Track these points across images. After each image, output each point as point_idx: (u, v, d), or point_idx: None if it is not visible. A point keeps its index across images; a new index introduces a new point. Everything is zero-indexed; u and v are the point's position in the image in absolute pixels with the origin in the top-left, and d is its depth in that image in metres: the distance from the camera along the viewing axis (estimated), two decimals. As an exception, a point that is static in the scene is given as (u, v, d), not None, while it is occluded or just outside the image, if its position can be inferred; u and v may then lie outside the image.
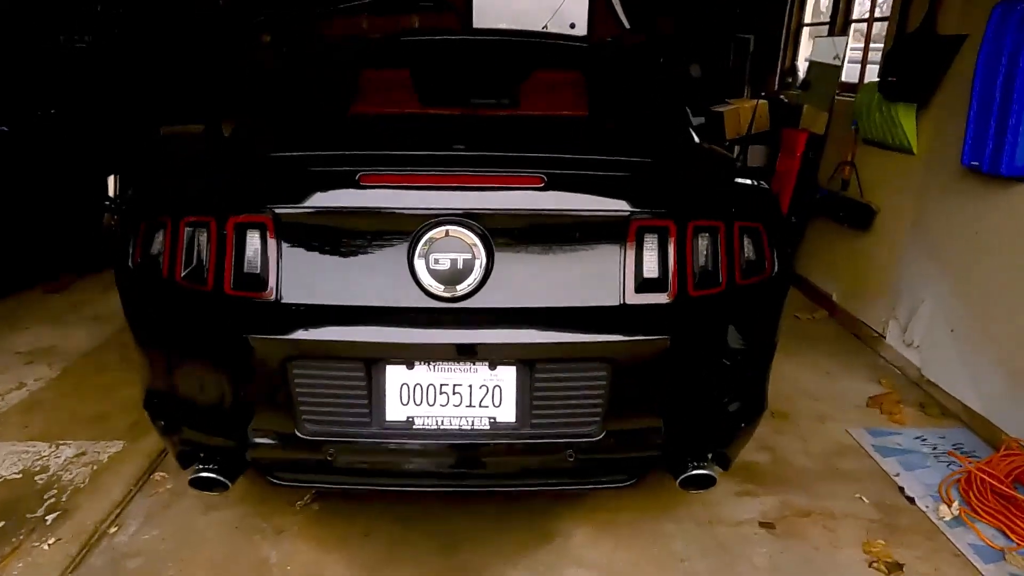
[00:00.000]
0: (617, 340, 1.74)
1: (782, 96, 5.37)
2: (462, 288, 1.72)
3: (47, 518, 2.34)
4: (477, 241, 1.72)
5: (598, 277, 1.77)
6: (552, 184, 1.75)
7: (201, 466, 1.93)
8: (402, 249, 1.74)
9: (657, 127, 2.45)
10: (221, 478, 1.92)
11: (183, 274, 1.80)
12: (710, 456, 1.96)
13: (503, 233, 1.75)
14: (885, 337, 3.74)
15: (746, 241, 1.89)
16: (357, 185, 1.73)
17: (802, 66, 5.55)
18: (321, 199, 1.76)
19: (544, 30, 5.70)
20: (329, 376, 1.76)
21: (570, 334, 1.73)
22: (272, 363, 1.74)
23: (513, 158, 1.83)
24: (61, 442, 2.78)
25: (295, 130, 2.28)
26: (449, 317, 1.73)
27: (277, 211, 1.75)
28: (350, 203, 1.75)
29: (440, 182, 1.75)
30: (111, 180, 5.04)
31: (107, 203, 4.99)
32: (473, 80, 2.73)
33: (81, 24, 5.11)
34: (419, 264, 1.72)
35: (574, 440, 1.80)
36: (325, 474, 1.90)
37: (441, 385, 1.78)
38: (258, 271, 1.76)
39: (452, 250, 1.71)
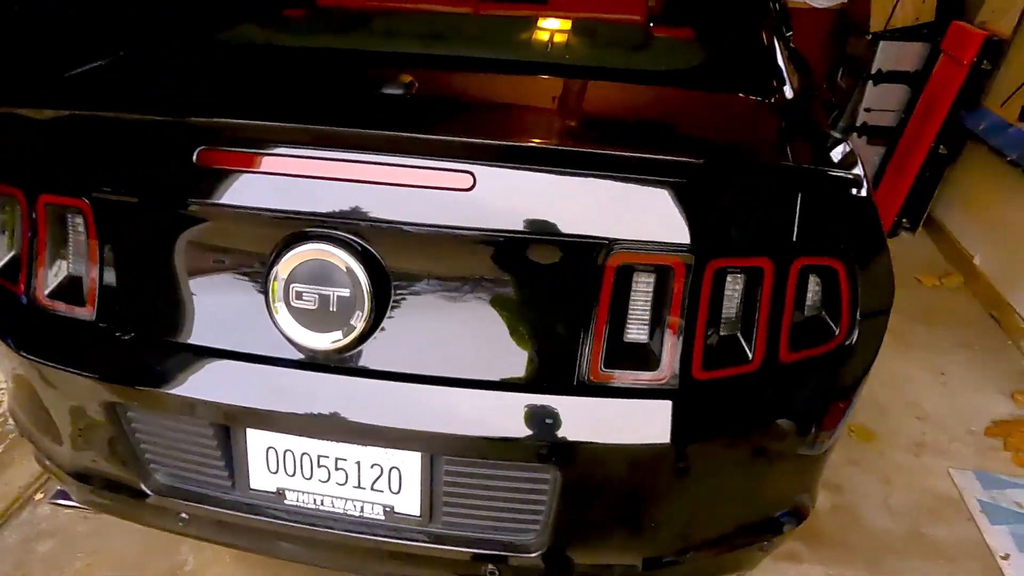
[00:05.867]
0: (568, 440, 1.12)
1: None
2: (334, 339, 1.14)
3: (-25, 476, 2.14)
4: (358, 269, 1.11)
5: (548, 339, 1.13)
6: (485, 185, 1.08)
7: (61, 488, 1.58)
8: (257, 271, 1.17)
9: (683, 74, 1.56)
10: (78, 505, 1.56)
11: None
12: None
13: (402, 259, 1.13)
14: (1038, 332, 2.81)
15: (809, 289, 1.17)
16: (195, 166, 1.14)
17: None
18: (151, 184, 1.19)
19: None
20: (175, 430, 1.28)
21: (500, 425, 1.14)
22: (100, 405, 1.28)
23: (432, 142, 1.13)
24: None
25: (139, 72, 1.57)
26: (322, 380, 1.17)
27: (96, 195, 1.21)
28: (186, 194, 1.17)
29: (310, 171, 1.12)
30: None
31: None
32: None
33: None
34: (275, 297, 1.14)
35: (501, 552, 1.26)
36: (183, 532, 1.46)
37: (319, 456, 1.26)
38: (78, 275, 1.26)
39: (323, 281, 1.12)
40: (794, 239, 1.12)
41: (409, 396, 1.16)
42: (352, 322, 1.13)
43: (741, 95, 1.44)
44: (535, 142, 1.12)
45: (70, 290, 1.27)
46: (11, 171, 1.29)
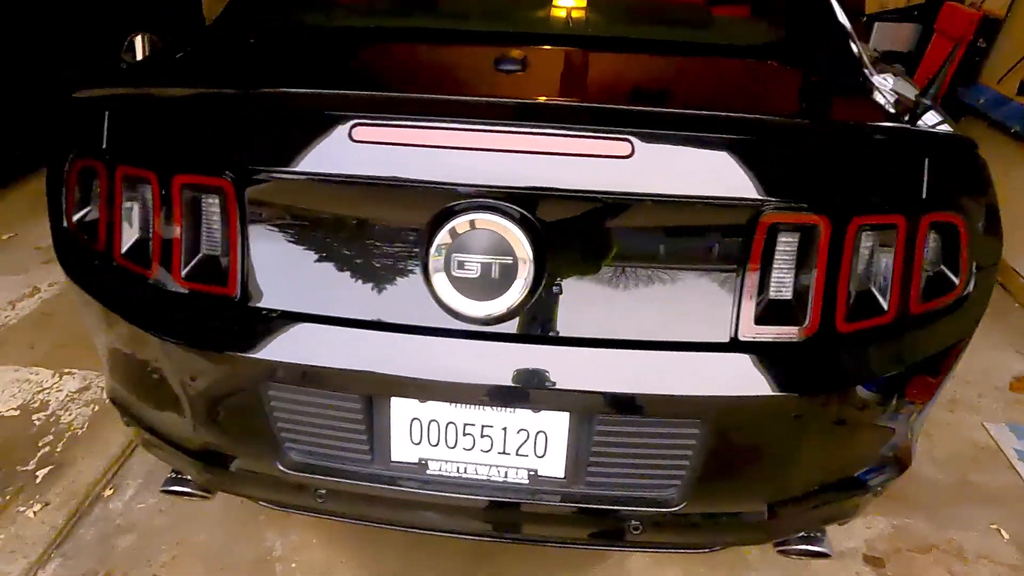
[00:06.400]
0: (720, 396, 1.18)
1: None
2: (496, 307, 1.17)
3: (38, 474, 2.09)
4: (521, 237, 1.14)
5: (700, 299, 1.19)
6: (644, 152, 1.12)
7: (174, 475, 1.57)
8: (414, 243, 1.19)
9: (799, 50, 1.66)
10: (198, 492, 1.55)
11: (124, 250, 1.32)
12: (824, 531, 1.45)
13: (560, 225, 1.17)
14: (1044, 294, 2.99)
15: (931, 244, 1.25)
16: (350, 140, 1.16)
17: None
18: (301, 159, 1.19)
19: None
20: (316, 405, 1.29)
21: (653, 382, 1.19)
22: (240, 383, 1.29)
23: (590, 110, 1.17)
24: (65, 371, 2.51)
25: (275, 51, 1.61)
26: (478, 347, 1.20)
27: (239, 173, 1.21)
28: (339, 168, 1.18)
29: (469, 143, 1.14)
30: (138, 41, 4.50)
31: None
32: None
33: None
34: (435, 268, 1.17)
35: (643, 509, 1.31)
36: (317, 509, 1.48)
37: (465, 425, 1.29)
38: (217, 254, 1.26)
39: (485, 250, 1.15)
40: (923, 197, 1.20)
41: (564, 359, 1.20)
42: (513, 289, 1.16)
43: (846, 69, 1.52)
44: (692, 110, 1.17)
45: (209, 270, 1.26)
46: (143, 153, 1.28)
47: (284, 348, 1.24)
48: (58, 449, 2.18)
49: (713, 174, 1.14)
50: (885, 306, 1.22)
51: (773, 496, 1.33)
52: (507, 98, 1.15)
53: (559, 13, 1.74)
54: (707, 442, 1.23)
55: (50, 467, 2.11)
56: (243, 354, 1.25)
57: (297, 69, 1.44)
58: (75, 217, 1.39)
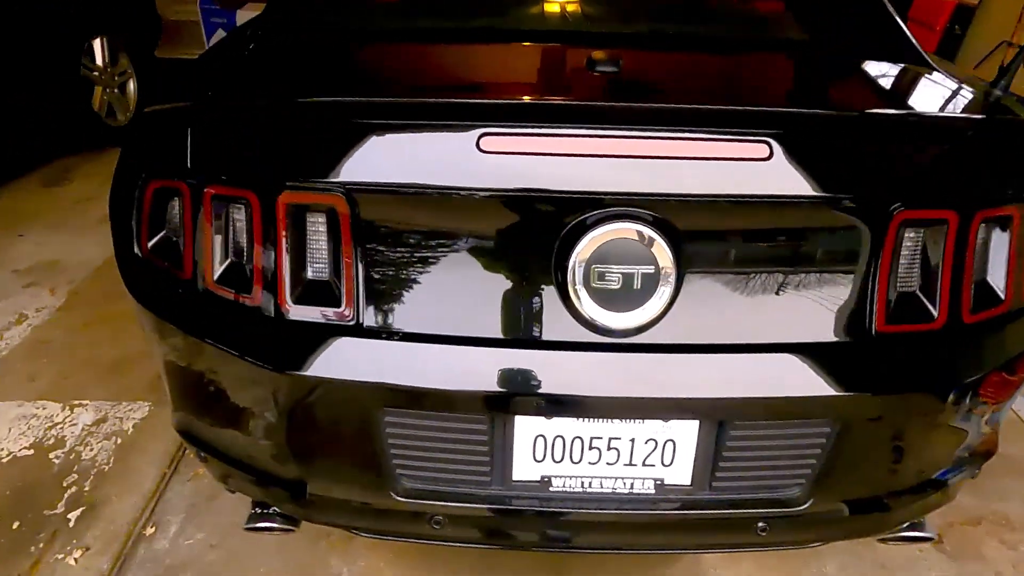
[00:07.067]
0: (857, 394, 1.18)
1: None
2: (639, 317, 1.14)
3: (70, 516, 1.94)
4: (664, 245, 1.11)
5: (834, 298, 1.18)
6: (782, 154, 1.11)
7: (258, 511, 1.48)
8: (547, 255, 1.14)
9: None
10: (284, 525, 1.47)
11: (216, 276, 1.23)
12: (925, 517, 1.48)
13: (697, 231, 1.14)
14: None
15: None
16: (477, 151, 1.10)
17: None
18: (420, 172, 1.13)
19: None
20: (436, 429, 1.24)
21: (790, 385, 1.18)
22: (354, 410, 1.22)
23: (729, 113, 1.15)
24: (76, 402, 2.34)
25: (377, 62, 1.53)
26: (615, 359, 1.17)
27: (352, 188, 1.14)
28: (465, 181, 1.12)
29: (606, 150, 1.10)
30: (97, 45, 4.24)
31: (95, 74, 4.23)
32: None
33: None
34: (574, 279, 1.13)
35: (768, 511, 1.31)
36: (431, 536, 1.41)
37: (592, 439, 1.26)
38: (328, 276, 1.19)
39: (626, 260, 1.12)
40: (1034, 187, 1.23)
41: (700, 366, 1.18)
42: (656, 298, 1.13)
43: (916, 62, 1.55)
44: (830, 111, 1.16)
45: (319, 293, 1.19)
46: (238, 172, 1.19)
47: (406, 372, 1.18)
48: (86, 488, 2.03)
49: (849, 173, 1.14)
50: (1002, 295, 1.24)
51: (894, 487, 1.35)
52: (643, 103, 1.12)
53: (633, 11, 1.71)
54: (837, 440, 1.23)
55: (82, 508, 1.97)
56: (361, 380, 1.18)
57: (398, 73, 1.36)
58: (150, 243, 1.29)
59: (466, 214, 1.15)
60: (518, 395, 1.18)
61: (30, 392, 2.39)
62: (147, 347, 1.44)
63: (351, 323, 1.18)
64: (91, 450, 2.16)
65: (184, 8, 4.99)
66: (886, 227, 1.15)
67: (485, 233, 1.16)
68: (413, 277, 1.18)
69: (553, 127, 1.10)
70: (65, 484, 2.04)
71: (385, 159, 1.14)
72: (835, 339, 1.19)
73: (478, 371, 1.17)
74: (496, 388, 1.17)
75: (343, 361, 1.18)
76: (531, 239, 1.15)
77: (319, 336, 1.19)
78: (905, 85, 1.45)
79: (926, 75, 1.53)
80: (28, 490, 2.02)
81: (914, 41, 1.64)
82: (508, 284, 1.17)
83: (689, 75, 1.41)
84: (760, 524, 1.31)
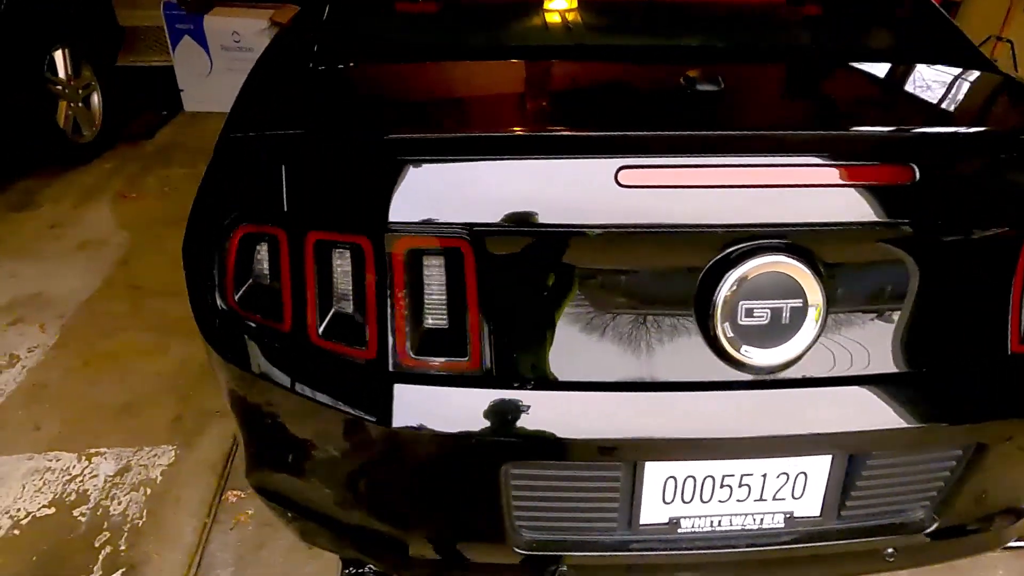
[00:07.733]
0: (994, 417, 1.16)
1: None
2: (786, 353, 1.09)
3: (109, 582, 1.79)
4: (813, 278, 1.07)
5: (973, 321, 1.16)
6: (926, 177, 1.07)
7: (351, 571, 1.38)
8: (688, 292, 1.08)
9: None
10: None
11: (321, 329, 1.12)
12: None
13: (841, 263, 1.10)
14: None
15: None
16: (616, 186, 1.03)
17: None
18: (551, 211, 1.05)
19: None
20: (564, 479, 1.16)
21: (928, 413, 1.15)
22: (475, 464, 1.13)
23: (873, 138, 1.10)
24: (92, 451, 2.17)
25: (481, 87, 1.38)
26: (755, 397, 1.12)
27: (477, 230, 1.05)
28: (602, 218, 1.05)
29: (747, 180, 1.05)
30: (59, 56, 3.95)
31: (58, 88, 3.96)
32: None
33: None
34: (721, 317, 1.07)
35: (894, 537, 1.28)
36: None
37: (724, 477, 1.21)
38: (446, 327, 1.10)
39: (774, 294, 1.07)
40: None
41: (841, 399, 1.14)
42: (803, 332, 1.09)
43: (982, 67, 1.54)
44: (975, 130, 1.13)
45: (441, 342, 1.10)
46: (346, 216, 1.08)
47: (538, 423, 1.11)
48: (122, 547, 1.87)
49: (988, 194, 1.12)
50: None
51: (1008, 505, 1.34)
52: (781, 130, 1.07)
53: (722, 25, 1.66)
54: (968, 461, 1.21)
55: (121, 570, 1.81)
56: (487, 434, 1.10)
57: (506, 101, 1.27)
58: (237, 295, 1.17)
59: (601, 254, 1.08)
60: (656, 440, 1.12)
61: (38, 443, 2.20)
62: (224, 404, 1.32)
63: (476, 373, 1.10)
64: (119, 504, 2.00)
65: (145, 13, 4.72)
66: (1020, 246, 1.14)
67: (622, 272, 1.09)
68: (542, 321, 1.10)
69: (695, 157, 1.04)
70: (97, 544, 1.88)
71: (512, 196, 1.06)
72: (971, 362, 1.17)
73: (615, 419, 1.11)
74: (634, 435, 1.11)
75: (468, 414, 1.10)
76: (670, 276, 1.09)
77: (440, 388, 1.10)
78: (1011, 100, 1.44)
79: (995, 78, 1.52)
80: (55, 554, 1.85)
81: (977, 48, 1.64)
82: (644, 324, 1.10)
83: (798, 93, 1.37)
84: (889, 550, 1.29)
